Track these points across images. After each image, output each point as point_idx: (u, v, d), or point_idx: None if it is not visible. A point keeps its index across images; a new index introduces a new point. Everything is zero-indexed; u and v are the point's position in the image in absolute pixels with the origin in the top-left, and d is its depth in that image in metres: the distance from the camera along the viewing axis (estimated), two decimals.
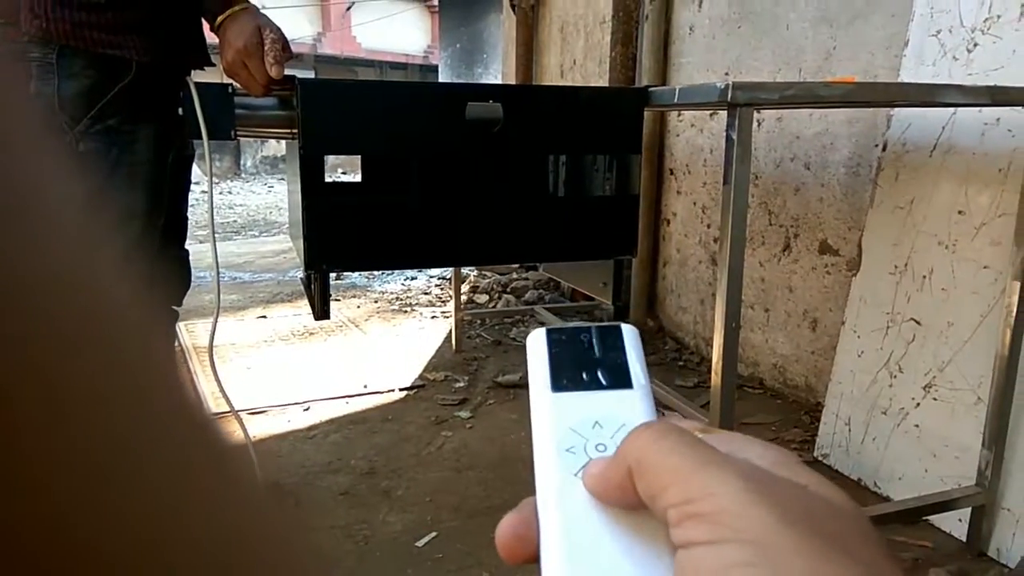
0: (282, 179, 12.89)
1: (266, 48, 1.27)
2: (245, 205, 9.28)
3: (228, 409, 1.54)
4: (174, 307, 1.47)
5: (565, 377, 0.30)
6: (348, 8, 15.47)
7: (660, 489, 0.23)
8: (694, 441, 0.24)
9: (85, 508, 0.11)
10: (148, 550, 0.12)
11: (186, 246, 1.53)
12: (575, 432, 0.28)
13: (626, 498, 0.25)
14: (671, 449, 0.24)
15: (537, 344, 0.31)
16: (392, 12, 16.09)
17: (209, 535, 0.13)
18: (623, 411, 0.28)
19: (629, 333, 0.31)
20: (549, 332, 0.31)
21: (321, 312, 1.47)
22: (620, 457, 0.25)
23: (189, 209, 1.53)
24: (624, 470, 0.25)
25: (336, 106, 1.33)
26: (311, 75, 11.94)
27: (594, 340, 0.31)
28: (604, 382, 0.29)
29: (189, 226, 1.53)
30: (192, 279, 1.56)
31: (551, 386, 0.30)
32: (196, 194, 8.71)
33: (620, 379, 0.30)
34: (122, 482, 0.12)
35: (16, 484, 0.10)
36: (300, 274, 1.62)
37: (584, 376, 0.30)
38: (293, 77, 1.31)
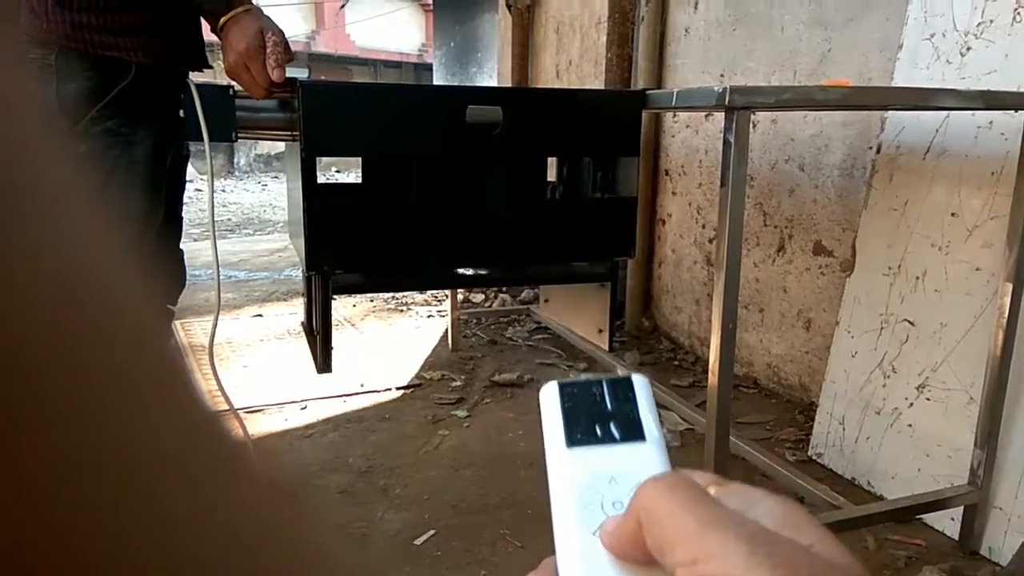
0: (275, 177, 12.85)
1: (268, 51, 1.28)
2: (239, 203, 9.26)
3: (227, 407, 1.54)
4: (169, 306, 1.47)
5: (579, 432, 0.30)
6: (342, 6, 15.44)
7: (668, 546, 0.24)
8: (702, 497, 0.25)
9: (88, 507, 0.11)
10: (152, 550, 0.12)
11: (181, 245, 1.53)
12: (591, 488, 0.28)
13: (640, 552, 0.25)
14: (679, 504, 0.24)
15: (550, 399, 0.31)
16: (386, 10, 16.07)
17: (214, 532, 0.13)
18: (637, 465, 0.29)
19: (640, 384, 0.31)
20: (561, 386, 0.31)
21: (323, 364, 1.46)
22: (631, 511, 0.26)
23: (183, 208, 1.53)
24: (635, 523, 0.25)
25: (337, 109, 1.34)
26: (305, 73, 11.93)
27: (606, 393, 0.31)
28: (617, 436, 0.30)
29: (183, 225, 1.54)
30: (187, 278, 1.57)
31: (565, 441, 0.30)
32: (190, 192, 8.66)
33: (633, 432, 0.30)
34: (126, 481, 0.12)
35: (18, 483, 0.10)
36: (302, 318, 1.63)
37: (598, 430, 0.30)
38: (294, 79, 1.32)
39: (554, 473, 0.29)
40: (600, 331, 1.71)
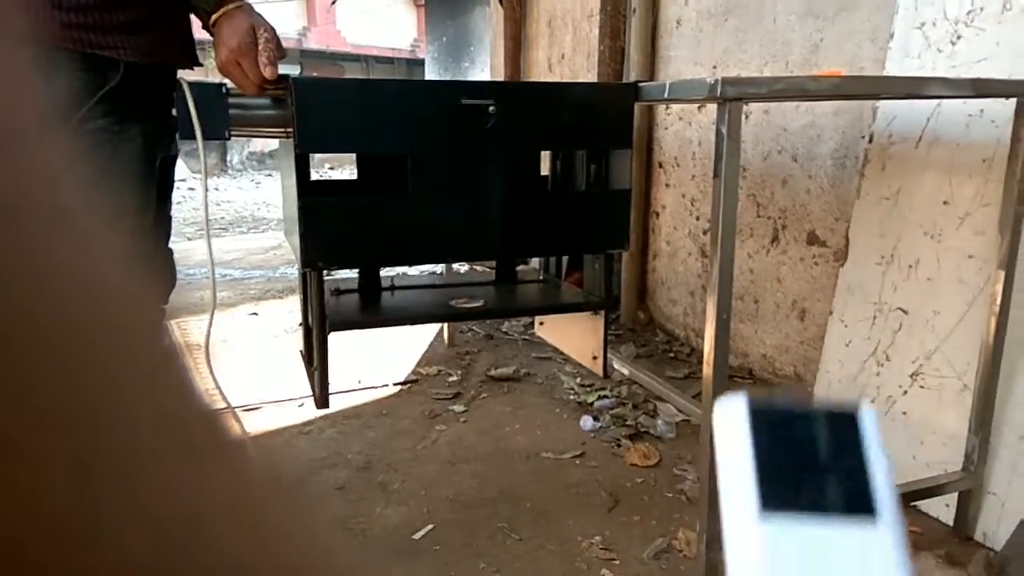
0: (269, 175, 12.82)
1: (260, 48, 1.28)
2: (232, 201, 9.24)
3: (225, 406, 1.55)
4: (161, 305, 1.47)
5: (779, 490, 0.20)
6: (333, 2, 15.38)
7: None
8: None
9: (87, 507, 0.11)
10: (152, 549, 0.12)
11: (171, 244, 1.53)
12: None
13: None
14: None
15: (732, 428, 0.21)
16: (378, 6, 16.02)
17: (213, 530, 0.13)
18: (863, 560, 0.20)
19: (869, 422, 0.22)
20: (753, 411, 0.21)
21: (322, 400, 1.47)
22: None
23: (174, 207, 1.53)
24: None
25: (330, 104, 1.34)
26: (297, 70, 11.90)
27: (819, 431, 0.22)
28: (836, 505, 0.20)
29: (175, 224, 1.54)
30: (177, 277, 1.57)
31: (759, 502, 0.20)
32: (183, 191, 8.66)
33: (859, 502, 0.21)
34: (124, 478, 0.12)
35: (15, 481, 0.10)
36: (301, 347, 1.63)
37: (807, 492, 0.21)
38: (287, 76, 1.32)
39: (737, 552, 0.20)
40: (595, 357, 1.72)
